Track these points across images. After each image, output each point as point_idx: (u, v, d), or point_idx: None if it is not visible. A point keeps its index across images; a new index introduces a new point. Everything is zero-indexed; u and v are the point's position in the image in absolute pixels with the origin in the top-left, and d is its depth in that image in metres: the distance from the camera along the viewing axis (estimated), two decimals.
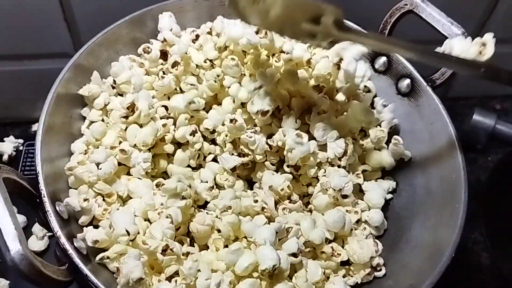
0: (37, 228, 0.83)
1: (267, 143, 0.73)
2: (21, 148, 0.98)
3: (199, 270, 0.58)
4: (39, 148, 0.62)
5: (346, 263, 0.68)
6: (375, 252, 0.67)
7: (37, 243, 0.80)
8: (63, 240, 0.56)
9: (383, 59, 0.82)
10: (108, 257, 0.56)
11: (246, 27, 0.73)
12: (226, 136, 0.73)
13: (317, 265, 0.63)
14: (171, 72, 0.75)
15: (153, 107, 0.70)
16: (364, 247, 0.65)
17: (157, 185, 0.68)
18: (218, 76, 0.75)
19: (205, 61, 0.76)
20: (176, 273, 0.59)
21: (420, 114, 0.79)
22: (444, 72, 0.77)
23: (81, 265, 0.52)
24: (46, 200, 0.58)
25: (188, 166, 0.71)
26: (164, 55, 0.77)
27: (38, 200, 0.59)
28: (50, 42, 0.97)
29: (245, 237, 0.62)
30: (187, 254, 0.64)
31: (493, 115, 1.12)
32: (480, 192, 1.06)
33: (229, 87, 0.73)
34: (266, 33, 0.73)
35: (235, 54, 0.75)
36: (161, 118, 0.70)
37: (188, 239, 0.64)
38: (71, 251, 0.56)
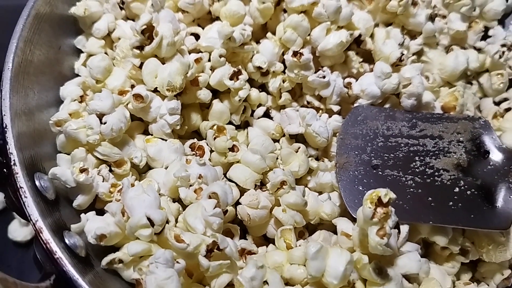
0: None
1: (345, 85, 0.52)
2: None
3: (265, 282, 0.36)
4: (8, 91, 0.41)
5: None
6: None
7: (20, 231, 0.58)
8: (47, 234, 0.34)
9: None
10: (121, 261, 0.35)
11: None
12: (284, 82, 0.53)
13: (442, 272, 0.42)
14: None
15: (179, 34, 0.48)
16: (508, 238, 0.43)
17: (191, 148, 0.48)
18: None
19: None
20: (230, 286, 0.36)
21: None
22: None
23: (75, 275, 0.35)
24: (17, 170, 0.37)
25: (230, 123, 0.53)
26: None
27: (5, 170, 0.36)
28: None
29: None
30: (242, 252, 0.42)
31: None
32: None
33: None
34: None
35: None
36: (190, 52, 0.52)
37: (238, 229, 0.44)
38: (59, 253, 0.34)
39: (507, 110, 0.56)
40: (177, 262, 0.36)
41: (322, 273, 0.38)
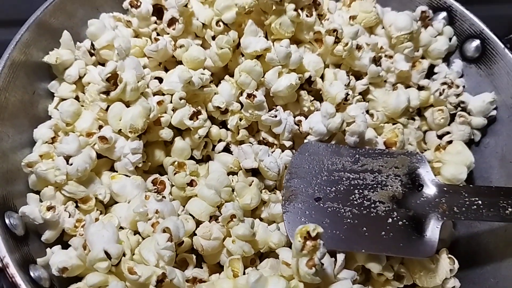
0: None
1: (296, 123, 0.56)
2: None
3: None
4: None
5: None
6: (450, 272, 0.49)
7: None
8: (12, 269, 0.39)
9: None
10: None
11: None
12: (241, 120, 0.57)
13: None
14: (167, 33, 0.58)
15: (143, 79, 0.52)
16: (436, 263, 0.48)
17: (153, 183, 0.52)
18: (234, 41, 0.57)
19: (217, 24, 0.58)
20: None
21: (494, 85, 0.62)
22: None
23: None
24: None
25: (192, 158, 0.57)
26: (158, 11, 0.60)
27: None
28: (20, 6, 0.78)
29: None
30: (193, 280, 0.46)
31: None
32: None
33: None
34: None
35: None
36: (154, 94, 0.56)
37: (194, 257, 0.48)
38: (23, 286, 0.38)
39: (449, 142, 0.61)
40: None
41: None
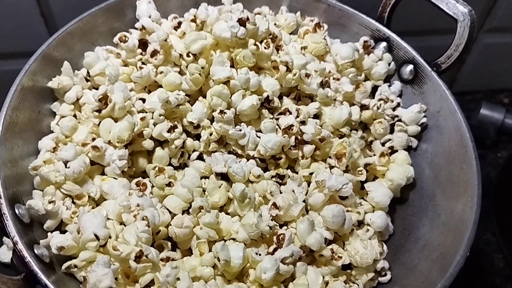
0: None
1: (258, 136, 0.66)
2: None
3: (178, 278, 0.50)
4: None
5: (347, 267, 0.61)
6: (380, 255, 0.59)
7: (7, 254, 0.73)
8: (20, 246, 0.50)
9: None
10: (75, 266, 0.50)
11: (229, 19, 0.67)
12: (211, 134, 0.67)
13: (317, 273, 0.56)
14: (150, 62, 0.68)
15: (129, 100, 0.63)
16: (368, 247, 0.58)
17: (137, 184, 0.62)
18: (202, 68, 0.68)
19: (187, 55, 0.69)
20: (153, 282, 0.51)
21: (425, 102, 0.73)
22: (450, 55, 0.70)
23: (39, 274, 0.46)
24: (2, 201, 0.52)
25: (170, 165, 0.65)
26: (143, 45, 0.72)
27: None
28: (27, 40, 0.91)
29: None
30: (167, 259, 0.57)
31: (502, 109, 1.09)
32: (491, 190, 1.00)
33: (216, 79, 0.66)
34: (248, 19, 0.66)
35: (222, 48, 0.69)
36: (139, 112, 0.65)
37: (170, 244, 0.57)
38: (28, 258, 0.49)
39: (391, 148, 0.72)
40: (113, 264, 0.51)
41: (230, 258, 0.53)
